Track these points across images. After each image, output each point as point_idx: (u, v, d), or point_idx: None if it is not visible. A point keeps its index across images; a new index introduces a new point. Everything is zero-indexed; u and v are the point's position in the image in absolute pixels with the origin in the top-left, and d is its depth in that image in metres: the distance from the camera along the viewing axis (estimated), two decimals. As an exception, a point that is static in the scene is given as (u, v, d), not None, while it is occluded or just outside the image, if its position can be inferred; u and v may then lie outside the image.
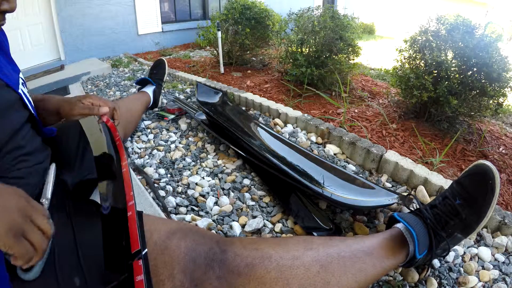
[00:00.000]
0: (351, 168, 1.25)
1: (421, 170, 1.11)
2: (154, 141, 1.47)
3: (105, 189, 0.61)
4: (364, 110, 1.77)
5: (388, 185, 1.16)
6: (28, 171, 0.59)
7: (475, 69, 1.42)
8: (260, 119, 1.69)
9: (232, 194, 1.09)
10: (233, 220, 0.97)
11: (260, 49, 3.12)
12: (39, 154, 0.64)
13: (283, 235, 0.93)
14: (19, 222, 0.38)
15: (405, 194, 1.05)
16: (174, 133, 1.56)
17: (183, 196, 1.09)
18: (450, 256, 0.85)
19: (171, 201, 1.04)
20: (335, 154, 1.34)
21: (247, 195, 1.08)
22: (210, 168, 1.24)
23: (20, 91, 0.63)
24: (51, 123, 0.80)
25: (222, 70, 2.69)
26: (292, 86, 2.04)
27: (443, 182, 1.05)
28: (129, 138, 1.49)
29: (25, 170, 0.58)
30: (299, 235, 0.92)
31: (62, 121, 0.83)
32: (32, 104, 0.68)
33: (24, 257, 0.38)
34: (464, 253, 0.87)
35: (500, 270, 0.83)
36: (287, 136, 1.45)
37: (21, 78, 0.67)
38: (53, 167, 0.62)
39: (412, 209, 0.92)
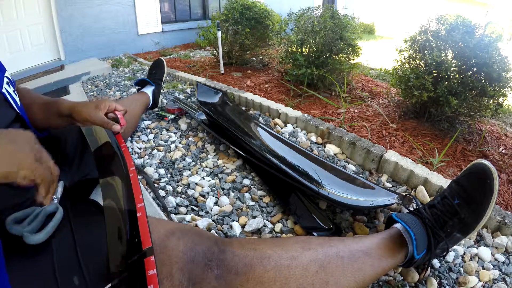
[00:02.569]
0: (351, 168, 1.25)
1: (421, 170, 1.11)
2: (154, 141, 1.48)
3: (109, 190, 0.62)
4: (364, 110, 1.77)
5: (388, 185, 1.16)
6: None
7: (475, 69, 1.41)
8: (260, 119, 1.69)
9: (232, 194, 1.09)
10: (233, 220, 0.97)
11: (260, 49, 3.12)
12: None
13: (283, 235, 0.93)
14: (38, 151, 0.47)
15: (405, 194, 1.04)
16: (174, 133, 1.56)
17: (183, 196, 1.09)
18: (450, 256, 0.85)
19: (171, 201, 1.04)
20: (335, 154, 1.34)
21: (247, 195, 1.08)
22: (210, 168, 1.24)
23: (3, 90, 0.63)
24: (59, 126, 0.78)
25: (222, 70, 2.69)
26: (292, 86, 2.04)
27: (443, 182, 1.05)
28: (129, 138, 1.49)
29: None
30: (298, 235, 0.92)
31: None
32: (18, 104, 0.67)
33: (46, 181, 0.47)
34: (464, 253, 0.87)
35: (500, 270, 0.83)
36: (287, 136, 1.45)
37: (7, 77, 0.66)
38: (61, 184, 0.64)
39: (412, 209, 0.92)
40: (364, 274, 0.64)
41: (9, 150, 0.43)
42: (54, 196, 0.60)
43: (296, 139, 1.45)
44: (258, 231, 0.94)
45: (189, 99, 2.03)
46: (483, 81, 1.39)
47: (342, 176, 1.08)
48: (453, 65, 1.46)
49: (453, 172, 1.22)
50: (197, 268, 0.53)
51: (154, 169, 1.24)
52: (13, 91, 0.68)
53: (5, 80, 0.65)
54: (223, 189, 1.12)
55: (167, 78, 2.65)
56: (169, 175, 1.21)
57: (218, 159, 1.30)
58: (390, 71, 1.80)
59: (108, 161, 0.71)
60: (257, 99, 1.83)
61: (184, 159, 1.31)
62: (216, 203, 1.05)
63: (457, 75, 1.45)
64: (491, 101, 1.44)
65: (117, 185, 0.60)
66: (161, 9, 4.72)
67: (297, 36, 2.16)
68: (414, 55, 1.65)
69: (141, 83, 1.73)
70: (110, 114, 0.78)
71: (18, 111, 0.66)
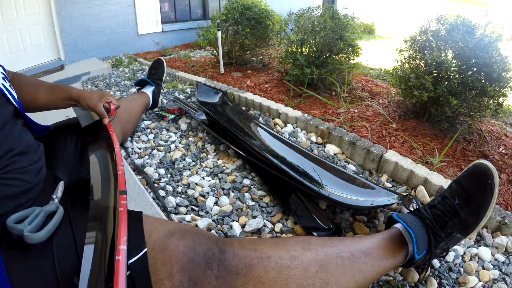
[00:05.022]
0: (351, 168, 1.25)
1: (421, 170, 1.11)
2: (154, 141, 1.48)
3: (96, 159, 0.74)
4: (364, 110, 1.77)
5: (388, 185, 1.16)
6: (23, 171, 0.59)
7: (475, 69, 1.41)
8: (260, 119, 1.69)
9: (232, 194, 1.09)
10: (233, 220, 0.97)
11: (260, 49, 3.12)
12: (32, 153, 0.64)
13: (283, 235, 0.93)
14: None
15: (405, 194, 1.04)
16: (174, 133, 1.56)
17: (183, 196, 1.09)
18: (450, 256, 0.85)
19: (171, 201, 1.04)
20: (335, 154, 1.34)
21: (247, 195, 1.08)
22: (210, 168, 1.24)
23: (0, 86, 0.63)
24: (61, 107, 0.93)
25: (222, 70, 2.69)
26: (292, 86, 2.04)
27: (443, 182, 1.05)
28: (129, 138, 1.49)
29: (19, 170, 0.58)
30: (298, 235, 0.92)
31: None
32: (16, 98, 0.68)
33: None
34: (464, 253, 0.87)
35: (500, 270, 0.83)
36: (287, 136, 1.45)
37: (2, 73, 0.67)
38: (61, 184, 0.66)
39: (412, 209, 0.92)
40: (364, 274, 0.64)
41: None
42: (54, 196, 0.60)
43: (296, 139, 1.45)
44: (258, 231, 0.94)
45: (189, 99, 2.03)
46: (483, 81, 1.39)
47: (342, 176, 1.08)
48: (453, 65, 1.46)
49: (453, 172, 1.22)
50: (198, 268, 0.53)
51: (154, 169, 1.24)
52: (10, 86, 0.68)
53: (1, 75, 0.66)
54: (223, 189, 1.12)
55: (167, 78, 2.65)
56: (169, 175, 1.21)
57: (218, 159, 1.30)
58: (390, 71, 1.80)
59: (97, 136, 0.87)
60: (257, 99, 1.83)
61: (184, 159, 1.31)
62: (216, 203, 1.05)
63: (457, 75, 1.45)
64: (491, 101, 1.44)
65: (103, 155, 0.74)
66: (161, 9, 4.71)
67: (297, 36, 2.16)
68: (414, 55, 1.65)
69: (141, 83, 1.73)
70: (105, 104, 0.95)
71: (16, 105, 0.66)
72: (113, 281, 0.41)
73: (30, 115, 0.75)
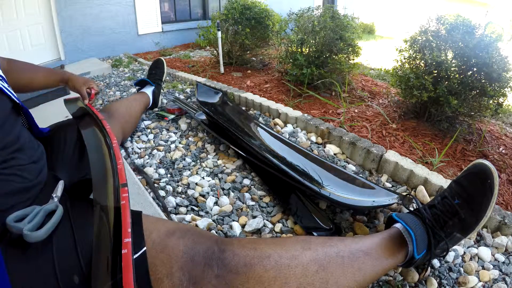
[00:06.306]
0: (351, 168, 1.25)
1: (421, 170, 1.11)
2: (154, 141, 1.48)
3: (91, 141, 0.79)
4: (364, 110, 1.77)
5: (388, 185, 1.16)
6: (22, 168, 0.59)
7: (475, 69, 1.41)
8: (260, 119, 1.69)
9: (232, 194, 1.09)
10: (233, 220, 0.97)
11: (260, 49, 3.12)
12: (30, 151, 0.64)
13: (283, 235, 0.93)
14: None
15: (405, 194, 1.04)
16: (174, 133, 1.56)
17: (183, 196, 1.09)
18: (450, 256, 0.85)
19: (171, 201, 1.04)
20: (335, 154, 1.34)
21: (247, 195, 1.08)
22: (210, 168, 1.24)
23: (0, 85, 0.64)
24: (54, 87, 1.11)
25: (222, 70, 2.69)
26: (292, 86, 2.04)
27: (443, 182, 1.05)
28: (129, 138, 1.49)
29: (18, 167, 0.58)
30: (298, 235, 0.92)
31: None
32: (15, 95, 0.69)
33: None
34: (464, 253, 0.87)
35: (500, 270, 0.83)
36: (287, 136, 1.45)
37: (0, 76, 0.68)
38: (61, 183, 0.66)
39: (412, 209, 0.92)
40: (364, 274, 0.64)
41: None
42: (54, 195, 0.60)
43: (296, 139, 1.45)
44: (258, 231, 0.94)
45: (189, 99, 2.03)
46: (483, 81, 1.39)
47: (342, 176, 1.08)
48: (453, 65, 1.46)
49: (453, 172, 1.22)
50: (197, 267, 0.53)
51: (154, 169, 1.24)
52: (8, 86, 0.68)
53: None
54: (223, 189, 1.12)
55: (167, 78, 2.65)
56: (169, 175, 1.21)
57: (218, 159, 1.30)
58: (390, 71, 1.80)
59: (87, 120, 0.94)
60: (257, 99, 1.83)
61: (184, 159, 1.31)
62: (216, 203, 1.05)
63: (457, 75, 1.45)
64: (491, 101, 1.44)
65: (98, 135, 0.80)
66: (161, 9, 4.71)
67: (297, 36, 2.16)
68: (414, 55, 1.65)
69: (141, 83, 1.73)
70: (87, 89, 1.14)
71: (17, 101, 0.67)
72: (121, 274, 0.42)
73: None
